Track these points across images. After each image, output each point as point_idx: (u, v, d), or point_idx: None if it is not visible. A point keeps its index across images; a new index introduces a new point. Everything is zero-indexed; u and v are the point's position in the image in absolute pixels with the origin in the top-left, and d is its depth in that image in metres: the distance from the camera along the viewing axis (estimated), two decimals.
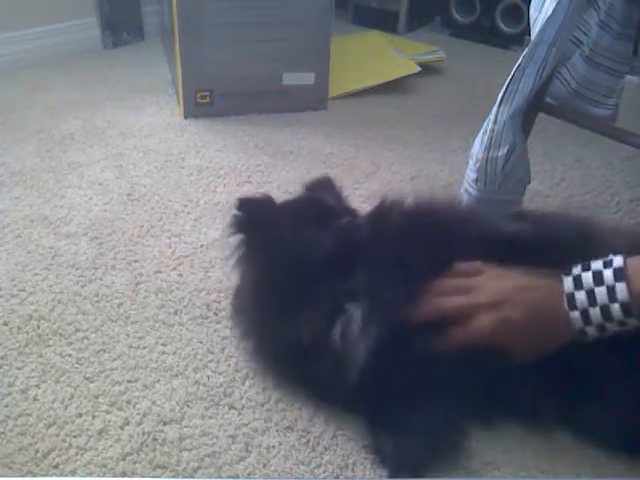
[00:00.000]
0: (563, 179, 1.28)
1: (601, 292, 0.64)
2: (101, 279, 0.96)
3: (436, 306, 0.70)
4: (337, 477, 0.68)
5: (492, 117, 0.93)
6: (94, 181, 1.22)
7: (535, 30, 0.88)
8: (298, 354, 0.72)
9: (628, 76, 1.06)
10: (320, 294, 0.71)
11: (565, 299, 0.66)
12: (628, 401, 0.66)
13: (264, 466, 0.69)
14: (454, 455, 0.70)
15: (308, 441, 0.72)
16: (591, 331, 0.65)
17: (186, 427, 0.73)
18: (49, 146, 1.34)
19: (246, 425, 0.73)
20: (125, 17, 1.95)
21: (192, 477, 0.68)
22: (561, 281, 0.67)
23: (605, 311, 0.64)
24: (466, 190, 1.01)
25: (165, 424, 0.73)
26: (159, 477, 0.67)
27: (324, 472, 0.69)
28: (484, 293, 0.69)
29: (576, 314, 0.65)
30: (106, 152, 1.33)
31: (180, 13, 1.38)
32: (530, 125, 1.00)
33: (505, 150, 0.93)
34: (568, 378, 0.68)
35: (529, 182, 1.01)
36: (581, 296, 0.65)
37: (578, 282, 0.66)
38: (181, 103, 1.49)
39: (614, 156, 1.34)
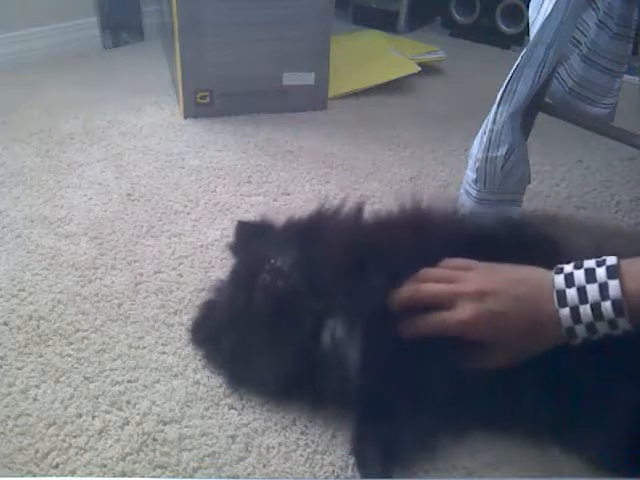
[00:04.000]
0: (563, 179, 1.28)
1: (593, 289, 0.62)
2: (101, 279, 0.96)
3: (415, 290, 0.69)
4: (337, 477, 0.68)
5: (491, 117, 0.93)
6: (94, 181, 1.22)
7: (534, 30, 0.88)
8: (295, 364, 0.72)
9: (628, 76, 1.06)
10: (297, 319, 0.71)
11: (555, 296, 0.64)
12: (616, 421, 0.65)
13: (264, 466, 0.69)
14: (430, 457, 0.69)
15: (308, 441, 0.72)
16: (580, 330, 0.63)
17: (186, 427, 0.73)
18: (49, 146, 1.34)
19: (246, 425, 0.73)
20: (125, 17, 1.95)
21: (192, 477, 0.68)
22: (552, 278, 0.65)
23: (596, 309, 0.62)
24: (466, 190, 1.01)
25: (165, 424, 0.73)
26: (159, 477, 0.68)
27: (324, 472, 0.69)
28: (469, 283, 0.67)
29: (566, 311, 0.63)
30: (106, 152, 1.33)
31: (180, 13, 1.38)
32: (530, 125, 1.00)
33: (504, 150, 0.93)
34: (560, 394, 0.66)
35: (529, 182, 1.01)
36: (572, 293, 0.63)
37: (569, 279, 0.64)
38: (181, 103, 1.50)
39: (614, 156, 1.34)
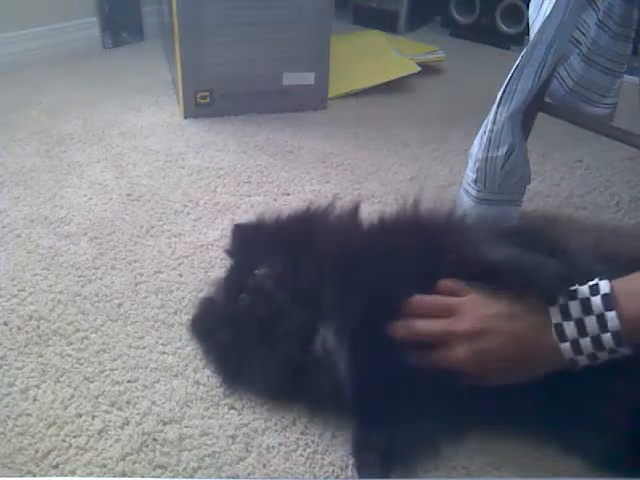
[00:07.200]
0: (563, 179, 1.28)
1: (591, 322, 0.62)
2: (101, 279, 0.96)
3: (412, 329, 0.69)
4: (337, 477, 0.68)
5: (491, 117, 0.93)
6: (94, 181, 1.22)
7: (534, 30, 0.88)
8: (284, 374, 0.72)
9: (628, 76, 1.06)
10: (291, 323, 0.71)
11: (553, 330, 0.63)
12: (614, 422, 0.65)
13: (264, 466, 0.69)
14: (431, 458, 0.69)
15: (308, 441, 0.72)
16: (582, 360, 0.63)
17: (186, 427, 0.73)
18: (49, 146, 1.34)
19: (246, 425, 0.73)
20: (125, 17, 1.95)
21: (192, 477, 0.68)
22: (546, 310, 0.64)
23: (596, 341, 0.62)
24: (465, 190, 1.01)
25: (165, 424, 0.73)
26: (159, 477, 0.68)
27: (324, 472, 0.69)
28: (464, 320, 0.67)
29: (566, 345, 0.63)
30: (106, 152, 1.33)
31: (180, 13, 1.38)
32: (530, 125, 1.00)
33: (504, 150, 0.93)
34: (560, 394, 0.66)
35: (529, 182, 1.01)
36: (570, 327, 0.63)
37: (565, 311, 0.63)
38: (181, 103, 1.50)
39: (614, 156, 1.34)
